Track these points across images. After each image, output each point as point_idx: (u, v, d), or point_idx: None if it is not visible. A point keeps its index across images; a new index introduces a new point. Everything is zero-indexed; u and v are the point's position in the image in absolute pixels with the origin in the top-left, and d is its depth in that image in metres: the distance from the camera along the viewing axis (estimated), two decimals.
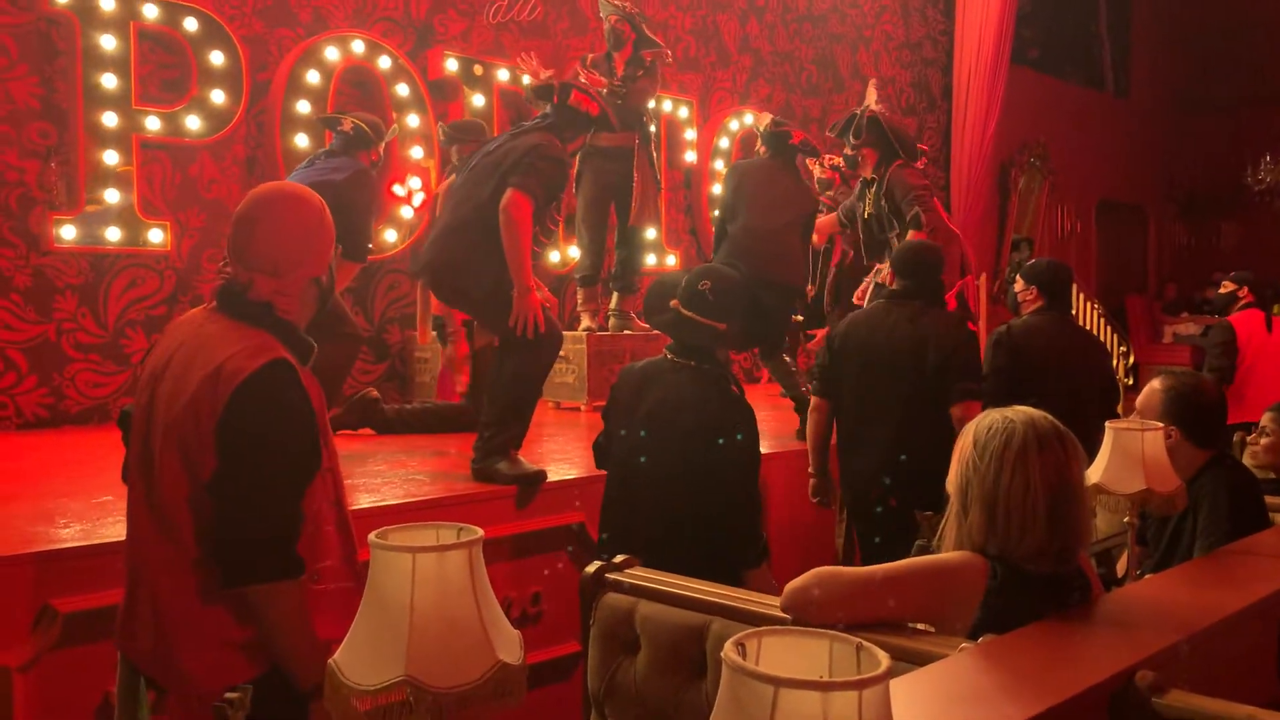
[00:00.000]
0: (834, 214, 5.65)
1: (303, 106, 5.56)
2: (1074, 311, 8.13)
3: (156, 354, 2.02)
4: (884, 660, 0.90)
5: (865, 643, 0.93)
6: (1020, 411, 2.02)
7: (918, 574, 1.95)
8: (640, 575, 2.37)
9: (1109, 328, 10.41)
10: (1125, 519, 2.66)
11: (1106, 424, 2.68)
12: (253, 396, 1.84)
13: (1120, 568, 2.84)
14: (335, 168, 4.52)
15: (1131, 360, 10.45)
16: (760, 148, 5.27)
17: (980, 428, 2.03)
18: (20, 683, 2.50)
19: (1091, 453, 2.93)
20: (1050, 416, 2.01)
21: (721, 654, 0.91)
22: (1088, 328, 9.25)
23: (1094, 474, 2.62)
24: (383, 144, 4.76)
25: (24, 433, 4.78)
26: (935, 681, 1.65)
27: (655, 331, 5.92)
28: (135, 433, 2.01)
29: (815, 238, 6.40)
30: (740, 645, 0.93)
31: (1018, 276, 4.25)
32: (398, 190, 6.01)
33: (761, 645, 0.95)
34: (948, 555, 1.98)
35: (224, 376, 1.85)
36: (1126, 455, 2.61)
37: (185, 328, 2.02)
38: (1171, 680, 1.64)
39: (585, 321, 5.88)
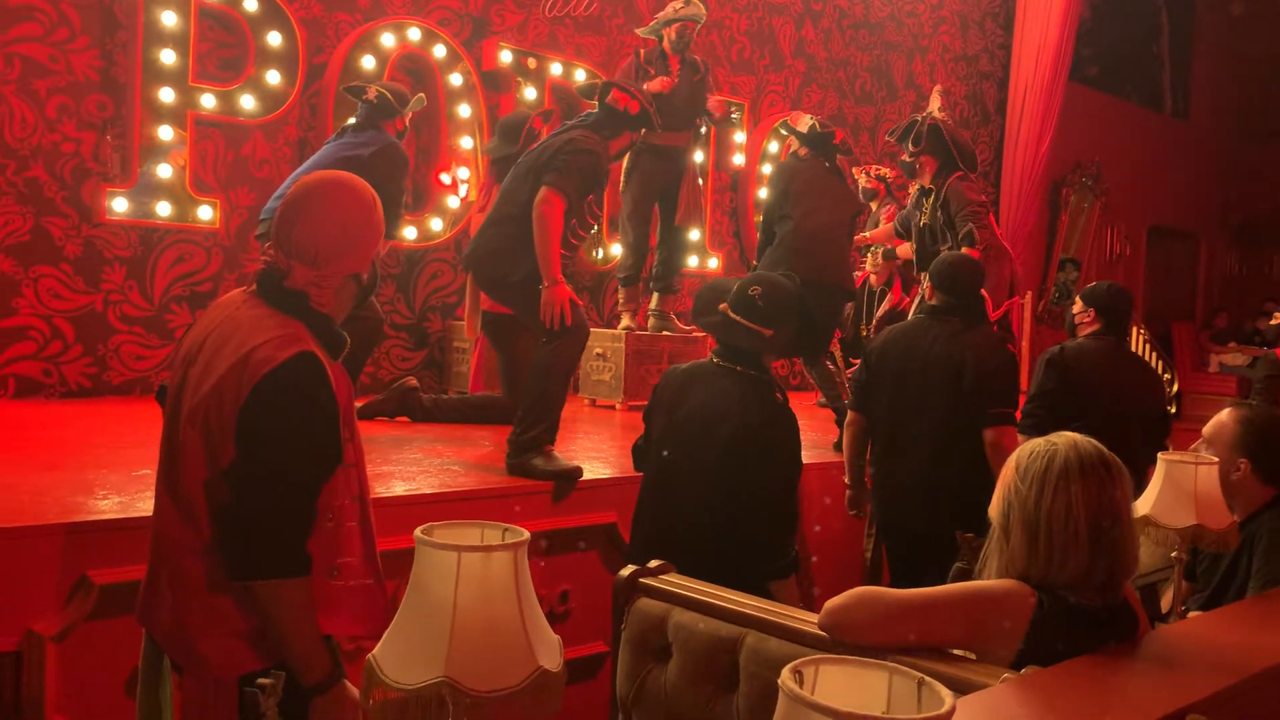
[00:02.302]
0: (890, 224, 5.59)
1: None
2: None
3: (193, 334, 2.01)
4: (947, 698, 0.87)
5: (928, 679, 0.90)
6: (1064, 436, 1.98)
7: (963, 600, 1.91)
8: (675, 582, 2.34)
9: (1154, 353, 10.24)
10: (1173, 553, 2.60)
11: (1159, 455, 2.62)
12: (277, 388, 1.82)
13: (1165, 603, 2.78)
14: (362, 143, 4.50)
15: (1175, 388, 10.28)
16: (800, 149, 5.20)
17: (1023, 453, 1.99)
18: (54, 651, 2.52)
19: (1136, 487, 2.86)
20: (1096, 442, 1.96)
21: (779, 681, 0.88)
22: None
23: (1144, 506, 2.56)
24: (408, 112, 4.76)
25: (67, 401, 4.83)
26: (976, 713, 1.61)
27: (695, 333, 5.93)
28: (165, 412, 2.00)
29: (874, 278, 6.38)
30: (798, 673, 0.90)
31: (1076, 298, 4.18)
32: (444, 179, 6.02)
33: (819, 674, 0.92)
34: (993, 583, 1.94)
35: (252, 364, 1.83)
36: (1178, 488, 2.54)
37: (222, 309, 2.00)
38: None
39: (625, 321, 5.86)
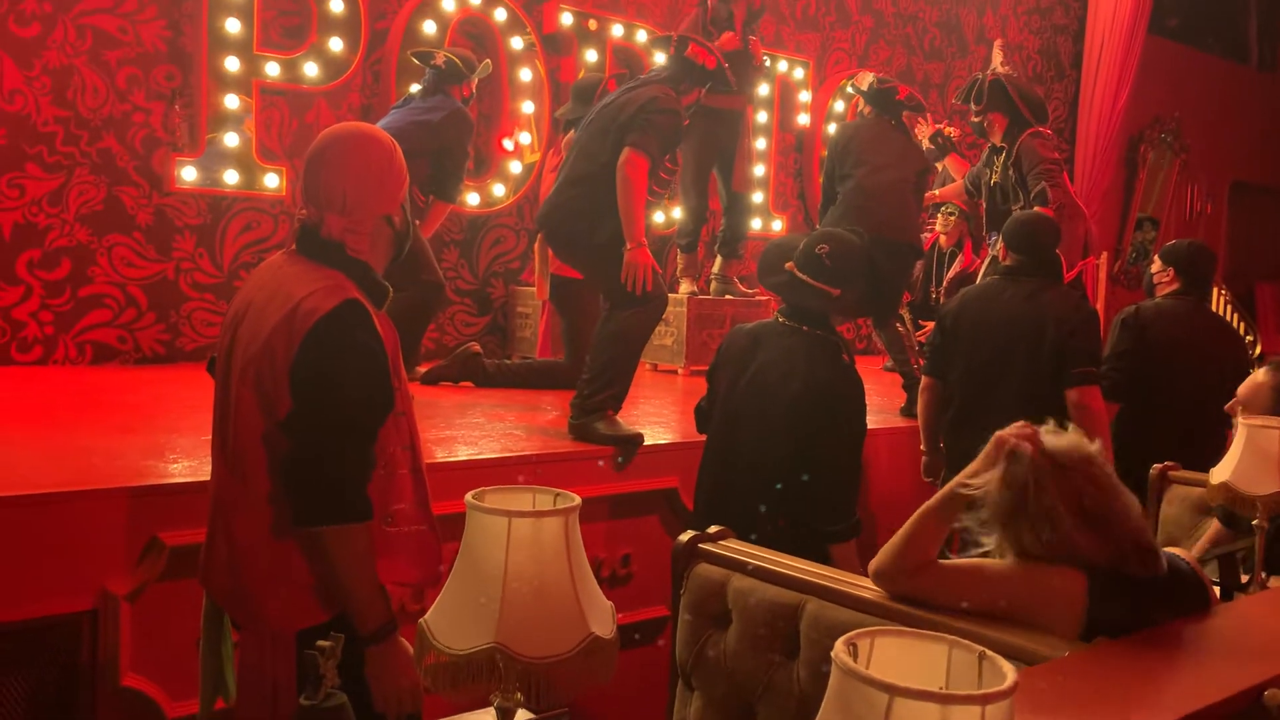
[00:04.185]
0: (959, 182, 5.46)
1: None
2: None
3: (239, 296, 2.06)
4: (1009, 673, 0.83)
5: (989, 652, 0.86)
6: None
7: (1014, 581, 1.86)
8: (734, 548, 2.31)
9: (1235, 314, 9.92)
10: (1254, 521, 2.51)
11: (1240, 419, 2.53)
12: (327, 336, 1.85)
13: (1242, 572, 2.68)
14: (431, 108, 4.55)
15: (1258, 350, 9.94)
16: (865, 108, 5.11)
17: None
18: (128, 611, 2.58)
19: (1216, 453, 2.77)
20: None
21: (832, 654, 0.85)
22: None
23: (1223, 472, 2.48)
24: (475, 78, 4.77)
25: (141, 367, 4.95)
26: (1041, 685, 1.57)
27: (758, 297, 5.87)
28: (217, 375, 2.04)
29: (944, 239, 6.24)
30: (851, 645, 0.87)
31: (1155, 257, 4.04)
32: (506, 144, 6.00)
33: (874, 646, 0.88)
34: (1045, 567, 1.89)
35: (299, 316, 1.86)
36: (1260, 454, 2.45)
37: (266, 271, 2.05)
38: None
39: (686, 285, 5.82)
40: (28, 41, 4.64)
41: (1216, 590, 2.03)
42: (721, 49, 4.93)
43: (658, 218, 6.55)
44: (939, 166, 6.52)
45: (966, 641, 0.89)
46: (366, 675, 1.87)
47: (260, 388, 1.88)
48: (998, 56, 5.52)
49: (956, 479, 1.96)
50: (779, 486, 2.78)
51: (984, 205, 4.94)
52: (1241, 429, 2.50)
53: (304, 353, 1.85)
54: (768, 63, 5.85)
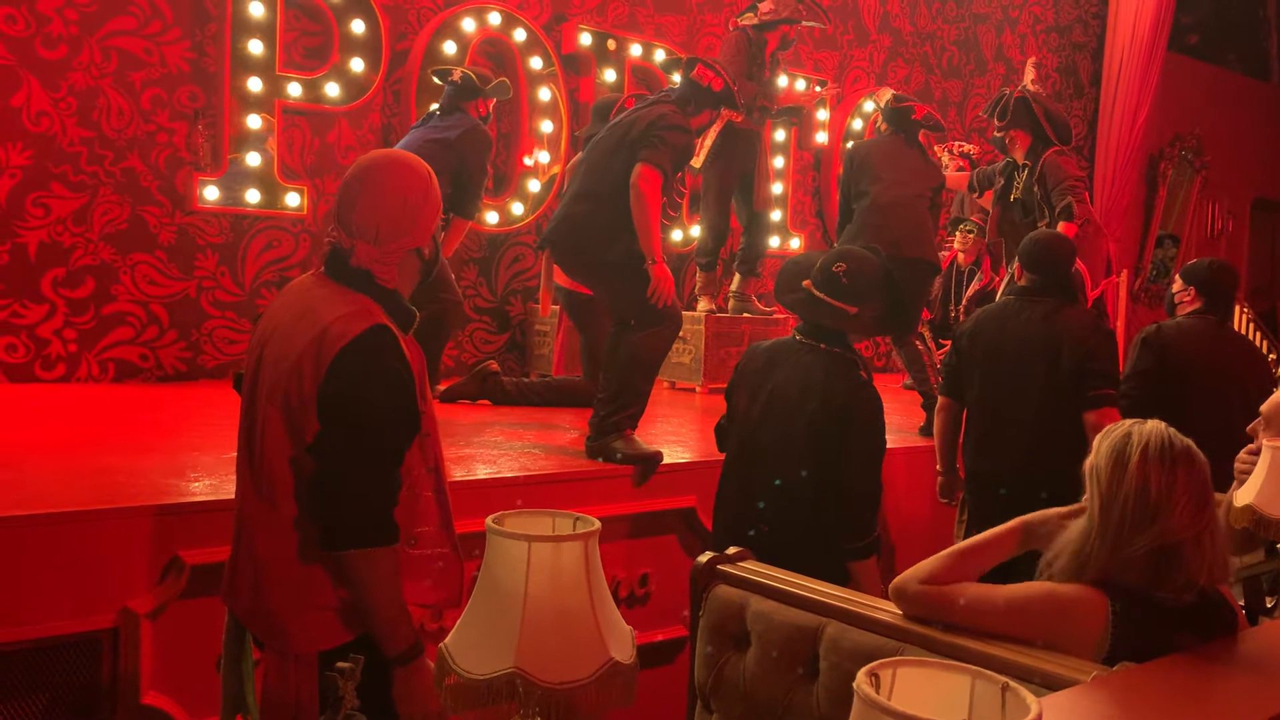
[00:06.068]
0: (965, 173, 5.46)
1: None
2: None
3: (267, 317, 2.07)
4: (1033, 705, 0.82)
5: (1012, 683, 0.85)
6: (1156, 425, 1.89)
7: (1034, 607, 1.84)
8: (753, 569, 2.31)
9: (1258, 333, 9.84)
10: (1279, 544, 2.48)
11: (1265, 441, 2.50)
12: (355, 360, 1.86)
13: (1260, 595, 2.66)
14: (449, 125, 4.60)
15: None
16: (881, 125, 5.12)
17: (1117, 443, 1.89)
18: (148, 629, 2.60)
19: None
20: (1174, 430, 1.87)
21: (854, 684, 0.84)
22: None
23: (1249, 495, 2.45)
24: (492, 96, 4.82)
25: (163, 384, 4.98)
26: (1064, 711, 1.55)
27: (776, 315, 5.87)
28: (243, 394, 2.05)
29: (962, 257, 6.23)
30: (874, 675, 0.86)
31: (1176, 276, 4.02)
32: (526, 162, 6.03)
33: (896, 676, 0.88)
34: (1065, 588, 1.86)
35: (328, 340, 1.87)
36: None
37: (294, 292, 2.05)
38: None
39: (704, 303, 5.82)
40: (54, 63, 4.70)
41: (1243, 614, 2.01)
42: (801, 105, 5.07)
43: (675, 235, 6.57)
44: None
45: (990, 672, 0.88)
46: (394, 697, 1.87)
47: (288, 410, 1.89)
48: (1030, 74, 5.53)
49: (1030, 517, 1.95)
50: (791, 486, 2.78)
51: (992, 211, 4.96)
52: (1266, 450, 2.47)
53: (332, 377, 1.86)
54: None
